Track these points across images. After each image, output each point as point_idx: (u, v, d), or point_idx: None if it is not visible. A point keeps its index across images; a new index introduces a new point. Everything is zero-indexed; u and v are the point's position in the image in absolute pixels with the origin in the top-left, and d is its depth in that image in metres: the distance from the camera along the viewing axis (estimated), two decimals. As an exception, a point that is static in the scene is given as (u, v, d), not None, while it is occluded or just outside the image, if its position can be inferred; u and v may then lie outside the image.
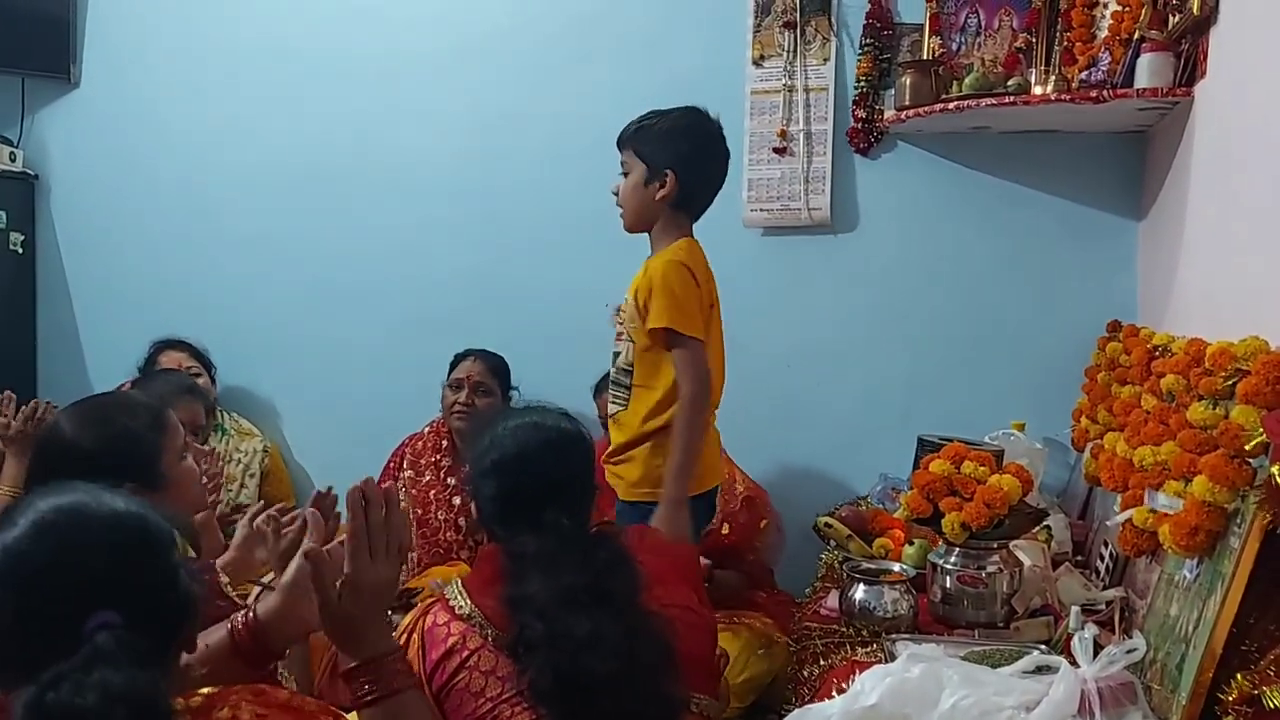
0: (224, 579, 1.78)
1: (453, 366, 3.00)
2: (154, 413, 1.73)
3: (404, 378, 3.18)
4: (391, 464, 3.06)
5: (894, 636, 1.88)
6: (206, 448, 2.98)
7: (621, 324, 2.24)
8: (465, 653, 1.44)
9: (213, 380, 3.13)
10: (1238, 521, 1.48)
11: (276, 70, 3.25)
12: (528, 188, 3.14)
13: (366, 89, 3.21)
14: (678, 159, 2.18)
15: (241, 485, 3.10)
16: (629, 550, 1.53)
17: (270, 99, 3.26)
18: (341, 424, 3.28)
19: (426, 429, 3.08)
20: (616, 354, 2.24)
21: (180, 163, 3.32)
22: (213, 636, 1.43)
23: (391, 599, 1.32)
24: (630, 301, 2.19)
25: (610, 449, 2.25)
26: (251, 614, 1.42)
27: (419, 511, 2.94)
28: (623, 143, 2.25)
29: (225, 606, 1.54)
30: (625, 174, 2.25)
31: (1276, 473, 1.32)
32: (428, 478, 2.98)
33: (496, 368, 2.99)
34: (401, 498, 2.99)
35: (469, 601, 1.47)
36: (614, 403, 2.24)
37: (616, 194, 2.27)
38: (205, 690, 1.04)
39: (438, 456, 3.00)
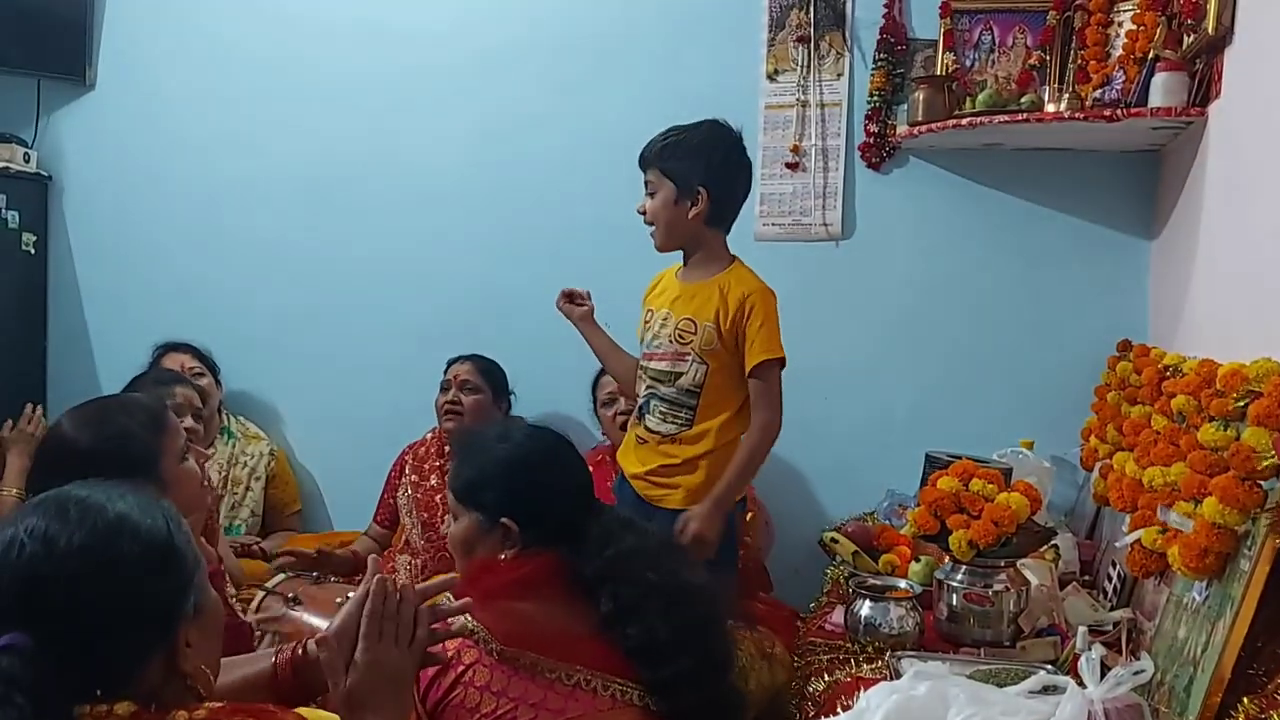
0: (231, 590, 1.78)
1: (445, 372, 3.01)
2: (153, 413, 1.72)
3: (410, 385, 3.17)
4: (393, 473, 3.06)
5: (899, 654, 1.88)
6: (210, 450, 2.99)
7: (684, 344, 2.22)
8: (460, 668, 1.43)
9: (218, 382, 3.13)
10: (1248, 544, 1.47)
11: (291, 78, 3.26)
12: (540, 200, 3.14)
13: (380, 100, 3.21)
14: (708, 175, 2.20)
15: (247, 488, 3.10)
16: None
17: (284, 107, 3.27)
18: (347, 430, 3.28)
19: (429, 435, 3.08)
20: (678, 375, 2.23)
21: (193, 167, 3.32)
22: (252, 666, 1.43)
23: (406, 690, 1.32)
24: (708, 324, 2.20)
25: (655, 464, 2.25)
26: (300, 650, 1.42)
27: (425, 515, 2.93)
28: (648, 161, 2.25)
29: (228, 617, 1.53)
30: (651, 194, 2.25)
31: (1288, 496, 1.31)
32: (432, 482, 2.98)
33: (486, 369, 2.98)
34: (405, 504, 2.99)
35: (466, 615, 1.47)
36: (669, 422, 2.24)
37: (643, 213, 2.27)
38: (210, 705, 1.04)
39: (441, 461, 2.99)
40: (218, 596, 1.17)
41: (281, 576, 2.43)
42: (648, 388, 2.28)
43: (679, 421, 2.23)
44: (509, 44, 3.13)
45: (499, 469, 1.62)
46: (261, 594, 2.36)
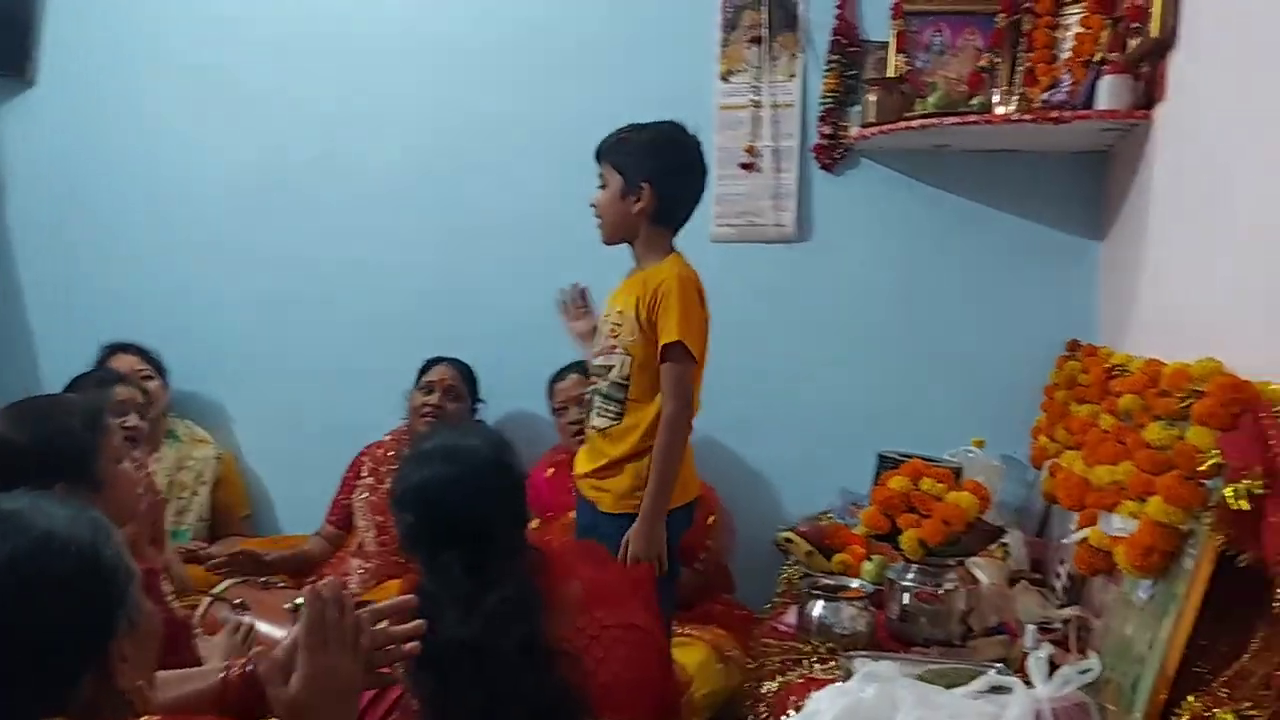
0: (168, 589, 1.75)
1: (423, 371, 2.98)
2: (90, 412, 1.69)
3: (362, 385, 3.14)
4: (350, 474, 3.03)
5: (851, 654, 1.87)
6: (155, 454, 2.94)
7: (615, 337, 2.21)
8: (399, 691, 1.41)
9: (165, 385, 3.08)
10: (1192, 543, 1.48)
11: (237, 74, 3.20)
12: (491, 196, 3.11)
13: (331, 95, 3.17)
14: (654, 172, 2.20)
15: (194, 493, 3.04)
16: (539, 589, 1.52)
17: (230, 102, 3.21)
18: (297, 432, 3.23)
19: (388, 437, 3.05)
20: (608, 367, 2.22)
21: (138, 166, 3.26)
22: (202, 680, 1.40)
23: (351, 701, 1.28)
24: (630, 315, 2.18)
25: (595, 465, 2.23)
26: (251, 667, 1.39)
27: (379, 519, 2.90)
28: (601, 155, 2.26)
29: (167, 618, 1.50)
30: (602, 186, 2.25)
31: (1230, 494, 1.33)
32: (389, 484, 2.94)
33: (466, 375, 2.98)
34: (361, 506, 2.95)
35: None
36: (602, 416, 2.22)
37: (595, 206, 2.27)
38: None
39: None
40: (154, 607, 1.14)
41: (228, 582, 2.39)
42: (591, 382, 2.28)
43: (610, 415, 2.21)
44: (462, 41, 3.10)
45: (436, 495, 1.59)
46: (208, 600, 2.32)
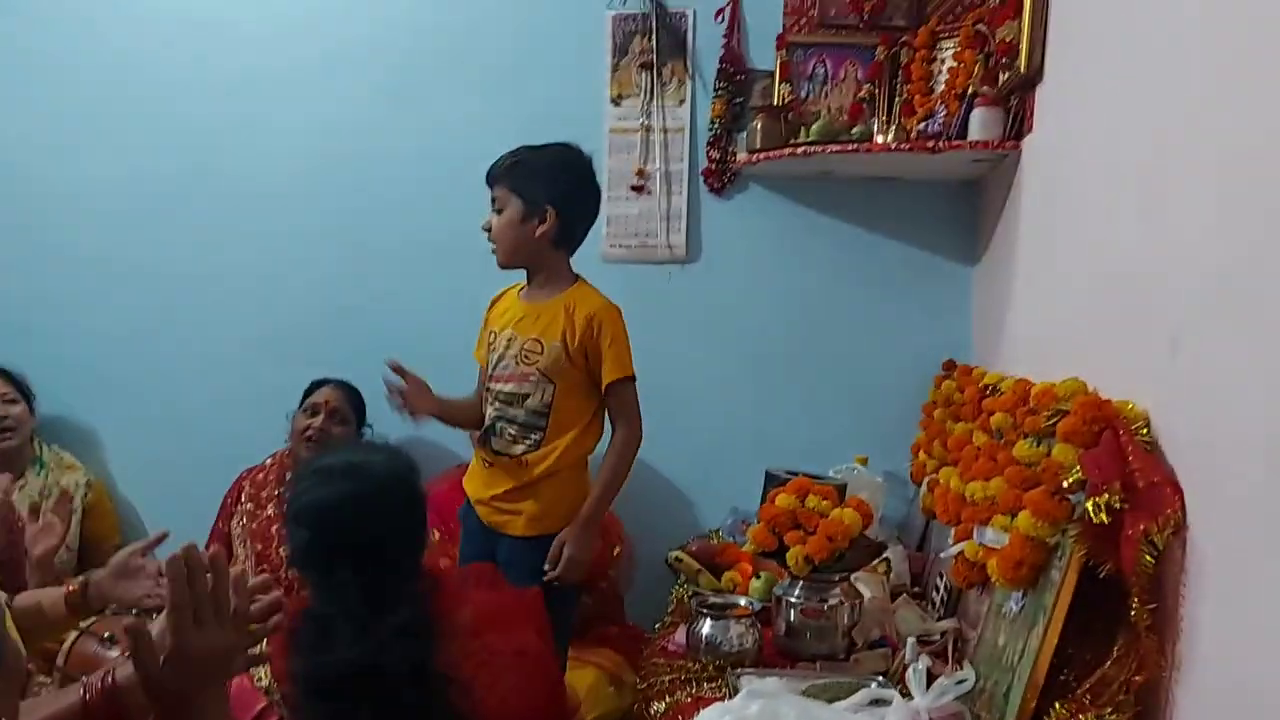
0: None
1: (308, 393, 2.91)
2: None
3: (243, 407, 3.05)
4: (228, 499, 2.93)
5: (739, 671, 1.90)
6: (19, 481, 2.80)
7: (530, 365, 2.20)
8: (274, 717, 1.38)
9: (31, 410, 2.94)
10: (1059, 555, 1.55)
11: (113, 85, 3.09)
12: (378, 215, 3.07)
13: (209, 106, 3.08)
14: (558, 196, 2.20)
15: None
16: (433, 613, 1.50)
17: (106, 110, 3.10)
18: (175, 456, 3.11)
19: (269, 460, 2.96)
20: (524, 396, 2.20)
21: (4, 175, 3.11)
22: (59, 702, 1.32)
23: (229, 669, 1.21)
24: (555, 344, 2.18)
25: (505, 488, 2.22)
26: (110, 678, 1.32)
27: (259, 547, 2.82)
28: (496, 178, 2.23)
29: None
30: (498, 210, 2.23)
31: (1091, 508, 1.39)
32: (269, 511, 2.86)
33: (353, 398, 2.92)
34: (239, 533, 2.86)
35: (267, 672, 1.40)
36: (521, 443, 2.21)
37: (488, 230, 2.24)
38: None
39: (281, 489, 2.88)
40: (16, 642, 1.09)
41: (96, 616, 2.28)
42: (496, 411, 2.25)
43: (529, 443, 2.21)
44: (348, 52, 3.05)
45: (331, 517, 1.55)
46: (75, 634, 2.21)
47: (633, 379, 2.22)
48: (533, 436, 2.20)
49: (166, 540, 1.76)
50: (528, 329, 2.22)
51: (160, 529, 1.82)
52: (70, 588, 1.71)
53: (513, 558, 2.18)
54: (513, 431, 2.22)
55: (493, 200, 2.24)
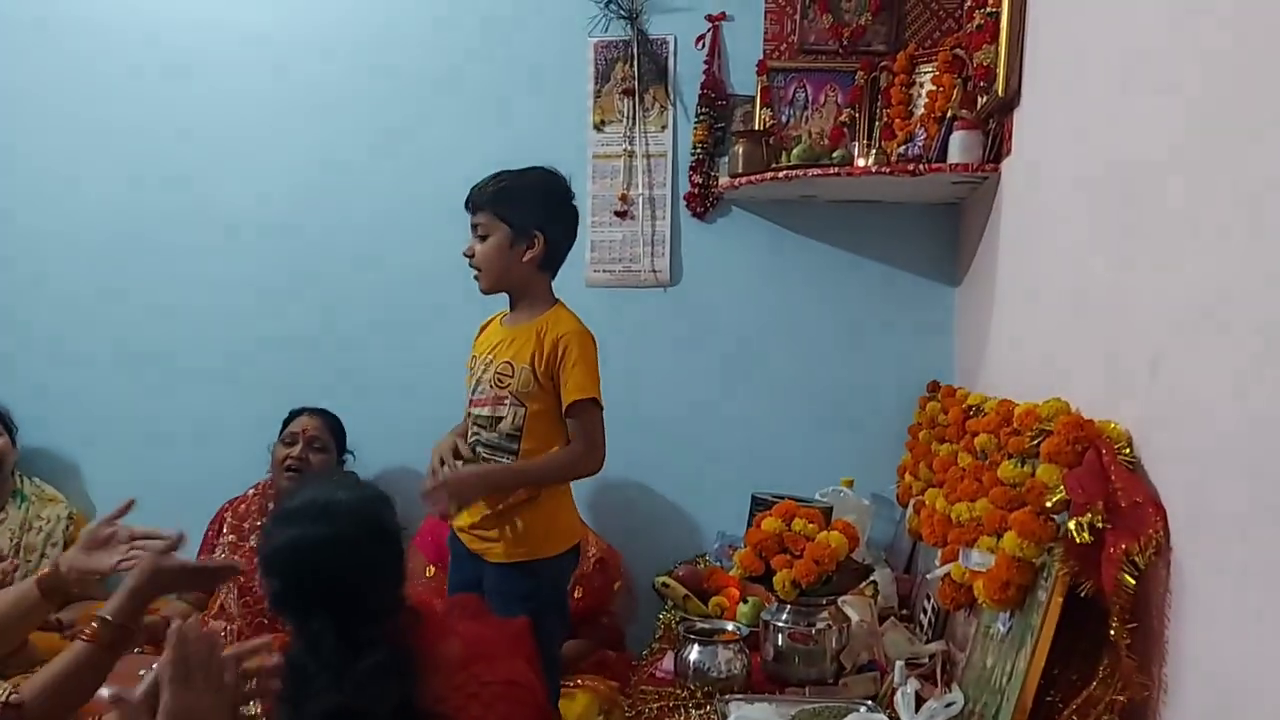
0: None
1: (286, 423, 2.90)
2: None
3: (225, 440, 3.04)
4: (210, 531, 2.92)
5: (728, 697, 1.89)
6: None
7: (503, 388, 2.20)
8: None
9: (13, 442, 2.91)
10: (1045, 576, 1.55)
11: (96, 119, 3.10)
12: (366, 245, 3.07)
13: (185, 142, 3.09)
14: (544, 220, 2.21)
15: (42, 555, 2.87)
16: (414, 649, 1.47)
17: (88, 149, 3.11)
18: (155, 488, 3.03)
19: (250, 491, 2.95)
20: (498, 419, 2.20)
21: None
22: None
23: None
24: (524, 367, 2.18)
25: (482, 514, 2.20)
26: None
27: (241, 579, 2.79)
28: (479, 204, 2.22)
29: None
30: (482, 236, 2.22)
31: (1074, 528, 1.39)
32: (252, 542, 2.84)
33: (333, 426, 2.91)
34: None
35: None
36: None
37: (469, 256, 2.24)
38: None
39: (263, 520, 2.86)
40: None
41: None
42: (473, 435, 2.25)
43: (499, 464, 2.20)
44: (334, 86, 3.07)
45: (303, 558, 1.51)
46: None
47: (596, 403, 2.19)
48: (505, 459, 2.20)
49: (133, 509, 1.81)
50: (504, 353, 2.23)
51: (128, 498, 1.83)
52: (42, 572, 1.71)
53: (495, 586, 2.16)
54: (487, 454, 2.22)
55: (475, 227, 2.24)
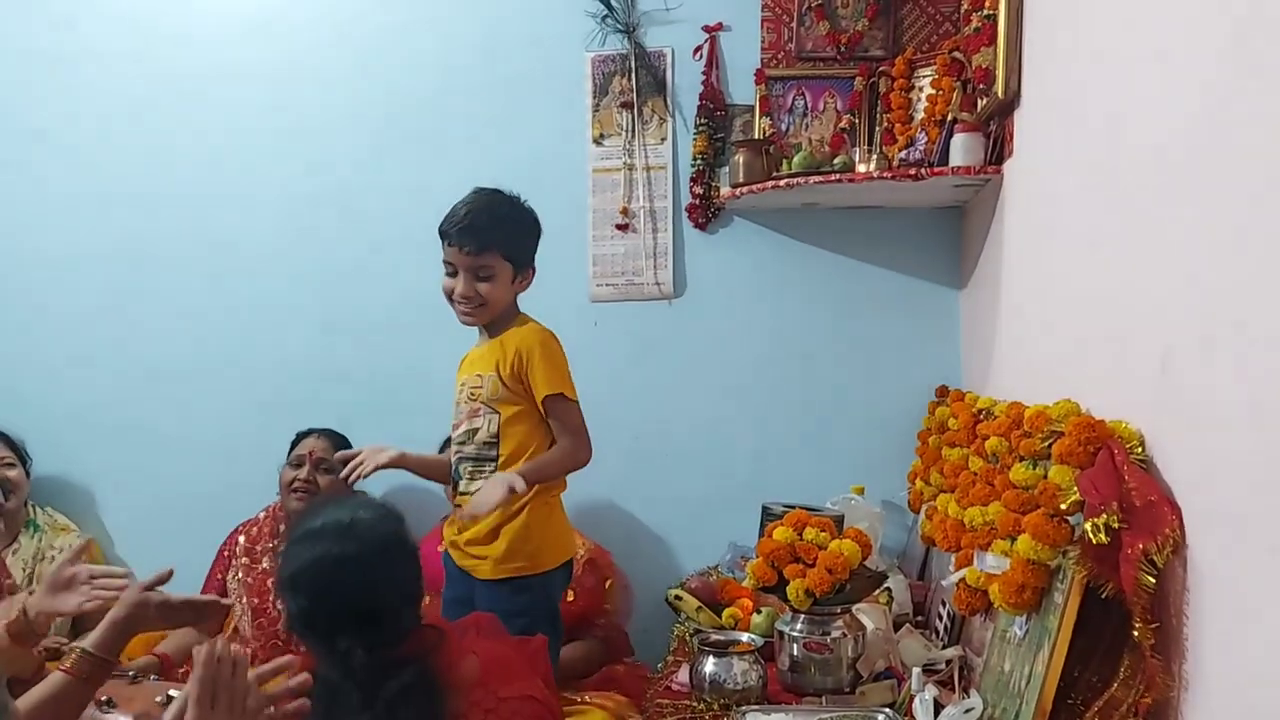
0: None
1: (294, 445, 2.90)
2: None
3: (236, 463, 3.03)
4: (225, 552, 2.91)
5: (744, 708, 1.88)
6: (11, 547, 2.78)
7: (476, 400, 2.21)
8: None
9: (27, 473, 2.92)
10: (1060, 578, 1.54)
11: (103, 144, 3.12)
12: (368, 267, 3.08)
13: (199, 166, 3.11)
14: (533, 251, 2.26)
15: (55, 585, 2.87)
16: (438, 668, 1.48)
17: (96, 173, 3.12)
18: (169, 516, 3.09)
19: (262, 514, 2.94)
20: (474, 431, 2.21)
21: (-4, 239, 3.13)
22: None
23: None
24: (490, 375, 2.18)
25: (473, 530, 2.19)
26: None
27: (255, 601, 2.79)
28: (485, 246, 2.17)
29: None
30: (488, 277, 2.18)
31: (1089, 529, 1.38)
32: (264, 565, 2.84)
33: (340, 447, 2.90)
34: (235, 587, 2.84)
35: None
36: (477, 479, 2.20)
37: (469, 297, 2.19)
38: None
39: (275, 542, 2.86)
40: (10, 702, 1.10)
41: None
42: (455, 453, 2.26)
43: (484, 477, 2.19)
44: (334, 108, 3.08)
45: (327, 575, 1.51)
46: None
47: (569, 398, 2.18)
48: (486, 469, 2.19)
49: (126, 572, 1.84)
50: (473, 369, 2.26)
51: (86, 537, 1.86)
52: (11, 617, 1.73)
53: (485, 603, 2.14)
54: (469, 468, 2.22)
55: (480, 268, 2.18)
